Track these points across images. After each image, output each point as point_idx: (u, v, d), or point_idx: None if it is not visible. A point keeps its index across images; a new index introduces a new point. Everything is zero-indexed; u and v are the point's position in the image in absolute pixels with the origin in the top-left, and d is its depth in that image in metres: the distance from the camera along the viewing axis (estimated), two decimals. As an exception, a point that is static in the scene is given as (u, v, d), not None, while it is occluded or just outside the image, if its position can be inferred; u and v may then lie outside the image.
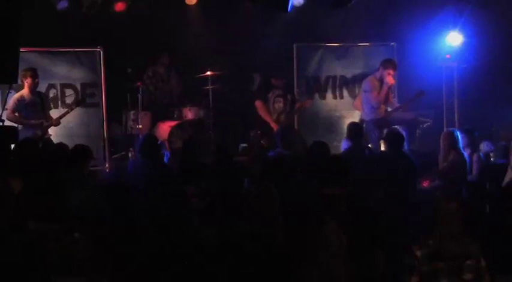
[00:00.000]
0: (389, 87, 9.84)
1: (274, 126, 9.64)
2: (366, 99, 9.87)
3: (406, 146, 8.24)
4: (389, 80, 9.70)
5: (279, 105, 9.97)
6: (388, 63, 9.82)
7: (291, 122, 10.25)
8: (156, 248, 5.02)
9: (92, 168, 9.56)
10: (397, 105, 10.11)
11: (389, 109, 9.88)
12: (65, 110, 9.52)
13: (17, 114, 8.94)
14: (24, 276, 4.49)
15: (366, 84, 10.00)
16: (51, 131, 9.32)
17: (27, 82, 9.04)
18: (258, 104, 9.89)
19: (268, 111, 9.86)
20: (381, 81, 9.77)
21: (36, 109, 9.07)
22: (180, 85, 11.05)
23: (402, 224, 6.08)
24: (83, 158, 6.99)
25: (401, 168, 7.07)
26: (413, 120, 9.90)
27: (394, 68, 9.80)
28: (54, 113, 9.54)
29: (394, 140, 7.53)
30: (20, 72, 8.95)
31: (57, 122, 9.27)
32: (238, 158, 9.02)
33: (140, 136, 9.77)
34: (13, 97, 9.06)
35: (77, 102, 9.61)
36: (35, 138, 8.51)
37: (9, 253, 4.52)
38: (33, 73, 9.10)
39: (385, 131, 9.07)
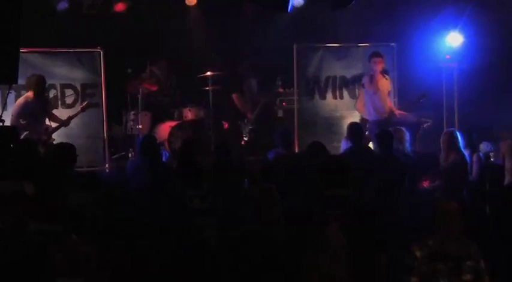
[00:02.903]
0: (382, 75, 9.85)
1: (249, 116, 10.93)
2: (368, 97, 9.89)
3: (408, 147, 8.23)
4: (378, 66, 9.75)
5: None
6: (371, 55, 9.94)
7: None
8: (156, 249, 5.02)
9: (91, 169, 9.62)
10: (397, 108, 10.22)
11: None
12: (77, 110, 9.46)
13: (21, 120, 8.86)
14: (25, 277, 4.49)
15: (363, 79, 10.12)
16: (50, 131, 9.32)
17: (33, 90, 9.01)
18: (234, 96, 11.01)
19: (245, 103, 10.87)
20: (373, 75, 9.84)
21: (40, 114, 9.03)
22: (178, 87, 11.07)
23: (402, 225, 6.08)
24: (70, 157, 6.93)
25: (393, 169, 7.07)
26: (416, 122, 9.93)
27: (378, 55, 9.87)
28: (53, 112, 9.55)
29: (382, 140, 7.52)
30: (30, 78, 8.97)
31: (67, 122, 9.27)
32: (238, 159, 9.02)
33: (140, 136, 9.79)
34: (17, 102, 9.05)
35: (89, 104, 9.61)
36: (39, 142, 8.47)
37: (11, 254, 4.52)
38: (43, 85, 9.11)
39: None
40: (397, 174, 7.08)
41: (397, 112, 10.04)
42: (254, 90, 11.24)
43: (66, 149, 6.95)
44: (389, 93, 9.96)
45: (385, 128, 8.98)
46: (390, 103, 9.99)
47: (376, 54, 9.90)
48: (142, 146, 7.48)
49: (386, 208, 6.25)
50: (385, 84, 9.85)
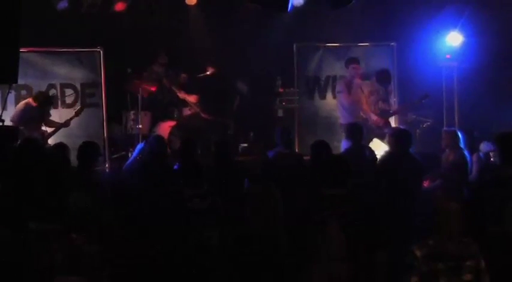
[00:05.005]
0: (366, 90, 9.62)
1: None
2: (339, 101, 9.83)
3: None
4: (357, 72, 9.64)
5: None
6: (348, 61, 9.85)
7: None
8: (156, 248, 5.02)
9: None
10: (395, 107, 10.19)
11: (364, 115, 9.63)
12: (73, 113, 9.50)
13: (20, 125, 8.83)
14: (25, 276, 4.49)
15: (338, 85, 10.03)
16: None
17: (38, 102, 9.03)
18: None
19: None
20: (351, 81, 9.73)
21: (38, 121, 9.07)
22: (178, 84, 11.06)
23: (402, 224, 6.08)
24: (93, 154, 6.93)
25: (406, 169, 7.02)
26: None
27: (355, 61, 9.77)
28: (53, 112, 9.55)
29: (401, 139, 7.41)
30: (41, 92, 9.02)
31: (67, 124, 9.29)
32: (238, 158, 9.03)
33: (140, 136, 9.79)
34: (17, 108, 9.07)
35: (83, 108, 9.62)
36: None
37: (10, 253, 4.52)
38: (49, 103, 9.20)
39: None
40: (412, 174, 7.00)
41: (374, 118, 9.58)
42: (244, 91, 11.23)
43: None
44: (369, 93, 9.71)
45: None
46: (366, 107, 9.65)
47: (354, 61, 9.77)
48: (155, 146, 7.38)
49: (388, 207, 6.24)
50: (366, 86, 9.69)
